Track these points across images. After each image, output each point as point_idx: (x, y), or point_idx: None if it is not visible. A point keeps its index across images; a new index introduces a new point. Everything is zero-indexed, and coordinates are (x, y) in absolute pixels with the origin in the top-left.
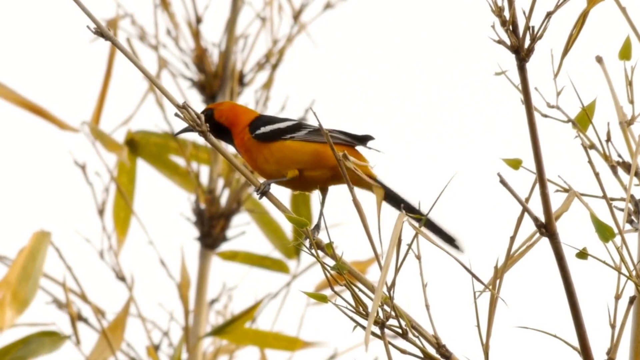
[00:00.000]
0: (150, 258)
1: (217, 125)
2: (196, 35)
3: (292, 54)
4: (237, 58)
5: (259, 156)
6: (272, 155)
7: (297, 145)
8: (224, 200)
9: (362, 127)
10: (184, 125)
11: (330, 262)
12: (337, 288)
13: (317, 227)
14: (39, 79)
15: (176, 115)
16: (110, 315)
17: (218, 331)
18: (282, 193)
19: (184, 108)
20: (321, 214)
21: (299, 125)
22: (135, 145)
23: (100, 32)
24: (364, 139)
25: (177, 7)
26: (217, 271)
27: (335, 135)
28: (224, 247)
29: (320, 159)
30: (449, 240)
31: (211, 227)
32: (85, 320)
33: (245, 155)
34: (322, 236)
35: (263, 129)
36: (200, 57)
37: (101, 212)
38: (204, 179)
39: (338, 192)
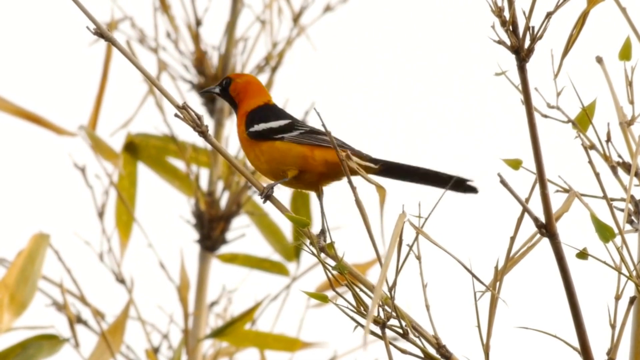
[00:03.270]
0: (150, 260)
1: (229, 96)
2: (196, 38)
3: (292, 56)
4: (236, 61)
5: (250, 152)
6: (262, 154)
7: (284, 147)
8: (223, 202)
9: (360, 127)
10: (183, 127)
11: (330, 263)
12: (338, 289)
13: (323, 232)
14: (34, 83)
15: (176, 115)
16: (110, 318)
17: (218, 333)
18: (283, 196)
19: (183, 108)
20: (323, 217)
21: (291, 125)
22: (135, 148)
23: (99, 33)
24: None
25: (176, 10)
26: (217, 274)
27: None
28: (224, 249)
29: (305, 163)
30: (460, 184)
31: (211, 229)
32: (84, 323)
33: (240, 143)
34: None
35: (256, 127)
36: (200, 60)
37: (101, 214)
38: (204, 181)
39: (339, 193)
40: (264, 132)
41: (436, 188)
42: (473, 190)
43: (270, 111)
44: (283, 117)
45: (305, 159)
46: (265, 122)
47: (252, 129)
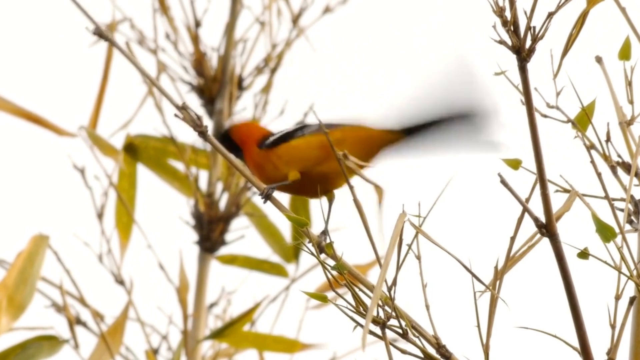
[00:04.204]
0: (149, 262)
1: (231, 143)
2: (195, 39)
3: (291, 58)
4: (236, 62)
5: (267, 165)
6: (279, 159)
7: (301, 141)
8: (222, 204)
9: None
10: (183, 128)
11: (330, 263)
12: (338, 290)
13: (324, 233)
14: (35, 83)
15: (175, 115)
16: (109, 319)
17: (217, 334)
18: (282, 197)
19: (183, 108)
20: (327, 219)
21: (303, 126)
22: (135, 149)
23: (98, 33)
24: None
25: (176, 11)
26: (216, 275)
27: (336, 124)
28: (223, 250)
29: (327, 152)
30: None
31: (210, 230)
32: (84, 324)
33: (256, 172)
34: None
35: (270, 139)
36: (199, 61)
37: (100, 215)
38: (203, 182)
39: (338, 194)
40: (279, 137)
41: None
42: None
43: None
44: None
45: (325, 146)
46: (278, 134)
47: (266, 142)
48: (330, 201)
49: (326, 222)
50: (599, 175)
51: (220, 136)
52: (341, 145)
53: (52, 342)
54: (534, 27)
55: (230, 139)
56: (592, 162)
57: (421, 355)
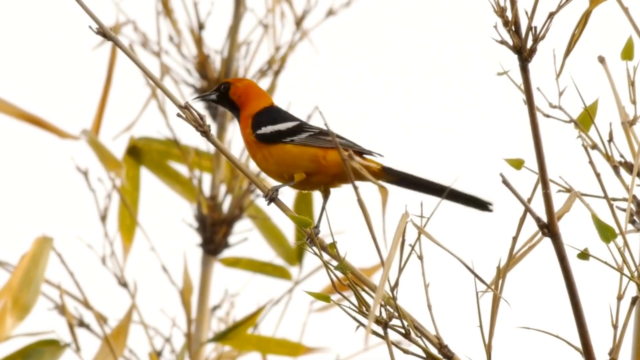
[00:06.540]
0: (153, 264)
1: (229, 100)
2: (198, 41)
3: (294, 60)
4: (239, 64)
5: (257, 154)
6: (271, 156)
7: (296, 150)
8: (226, 206)
9: (364, 130)
10: (186, 131)
11: (333, 264)
12: (341, 292)
13: (317, 227)
14: (38, 85)
15: (178, 115)
16: (113, 322)
17: (220, 337)
18: (286, 198)
19: (186, 108)
20: (321, 215)
21: (299, 127)
22: (138, 151)
23: (102, 33)
24: (367, 152)
25: (179, 14)
26: (219, 277)
27: (339, 140)
28: (226, 253)
29: (318, 166)
30: (480, 204)
31: (213, 233)
32: (87, 327)
33: (246, 145)
34: (326, 239)
35: (264, 129)
36: (202, 64)
37: (103, 218)
38: (206, 185)
39: (341, 194)
40: (272, 134)
41: (451, 202)
42: (488, 210)
43: (276, 113)
44: (290, 119)
45: (318, 161)
46: (272, 124)
47: (259, 132)
48: (325, 198)
49: (320, 216)
50: (597, 175)
51: (219, 92)
52: (329, 164)
53: (53, 347)
54: (535, 27)
55: (228, 97)
56: (591, 162)
57: (423, 355)
